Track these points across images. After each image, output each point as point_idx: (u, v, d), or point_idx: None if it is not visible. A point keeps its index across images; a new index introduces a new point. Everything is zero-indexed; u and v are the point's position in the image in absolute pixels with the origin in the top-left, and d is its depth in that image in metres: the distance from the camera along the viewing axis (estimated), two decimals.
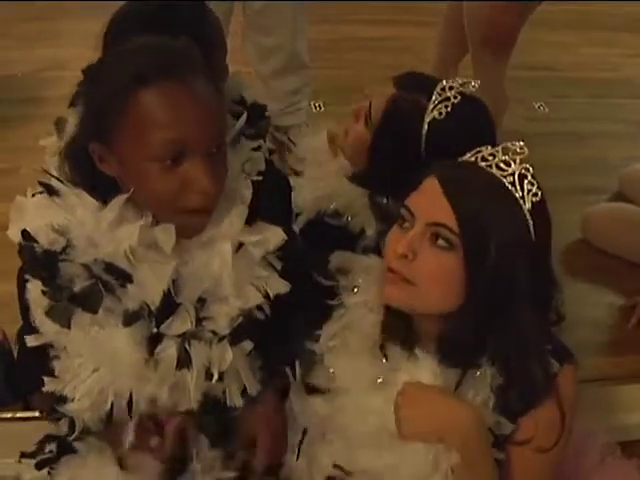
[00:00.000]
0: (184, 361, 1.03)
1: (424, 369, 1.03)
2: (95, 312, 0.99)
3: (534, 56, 3.19)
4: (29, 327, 1.05)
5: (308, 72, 2.52)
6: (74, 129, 1.10)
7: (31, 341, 1.04)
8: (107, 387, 1.03)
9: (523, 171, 1.02)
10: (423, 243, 1.01)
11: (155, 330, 1.02)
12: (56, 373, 1.05)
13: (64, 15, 3.35)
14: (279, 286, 1.08)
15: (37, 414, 1.36)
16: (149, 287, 1.00)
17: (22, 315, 1.10)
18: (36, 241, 0.99)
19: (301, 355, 1.15)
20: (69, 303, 0.99)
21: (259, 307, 1.09)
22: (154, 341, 1.03)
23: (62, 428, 1.12)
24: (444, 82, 1.31)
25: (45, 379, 1.05)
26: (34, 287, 1.01)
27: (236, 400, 1.11)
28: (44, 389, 1.05)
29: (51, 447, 1.16)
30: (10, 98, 2.75)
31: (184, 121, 0.93)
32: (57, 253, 0.99)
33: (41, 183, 1.03)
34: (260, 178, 1.10)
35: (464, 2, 2.31)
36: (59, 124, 1.19)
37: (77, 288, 0.99)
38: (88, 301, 0.99)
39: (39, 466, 1.14)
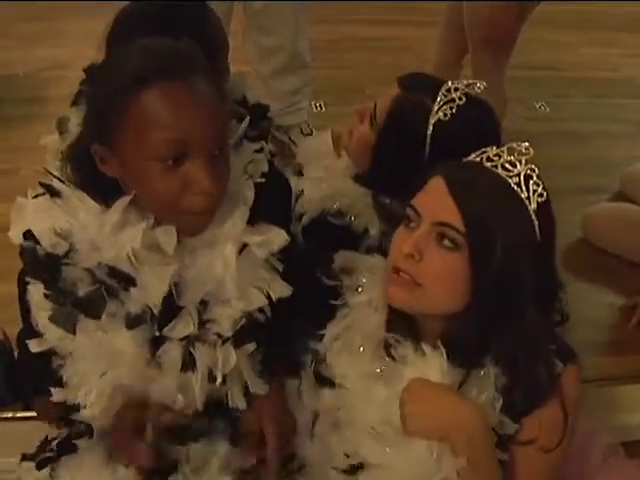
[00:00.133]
0: (188, 363, 1.03)
1: (432, 366, 1.03)
2: (98, 318, 0.99)
3: (535, 56, 3.18)
4: (29, 329, 1.05)
5: (308, 72, 2.52)
6: (76, 129, 1.10)
7: (34, 346, 1.04)
8: (115, 389, 1.03)
9: (529, 172, 1.02)
10: (429, 243, 1.01)
11: (158, 333, 1.02)
12: (64, 380, 1.04)
13: (64, 15, 3.35)
14: (282, 289, 1.08)
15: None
16: (151, 290, 1.00)
17: (22, 317, 1.10)
18: (38, 243, 0.99)
19: (307, 353, 1.15)
20: (73, 308, 0.99)
21: (260, 309, 1.08)
22: (157, 344, 1.03)
23: (78, 432, 1.11)
24: (449, 83, 1.31)
25: (53, 390, 1.05)
26: (36, 290, 1.01)
27: (239, 402, 1.11)
28: (52, 399, 1.05)
29: (52, 446, 1.16)
30: (12, 98, 2.74)
31: (186, 121, 0.93)
32: (60, 257, 0.98)
33: (42, 184, 1.03)
34: (263, 180, 1.10)
35: (464, 2, 2.31)
36: (61, 124, 1.18)
37: (81, 293, 0.99)
38: (91, 307, 0.99)
39: (40, 465, 1.14)
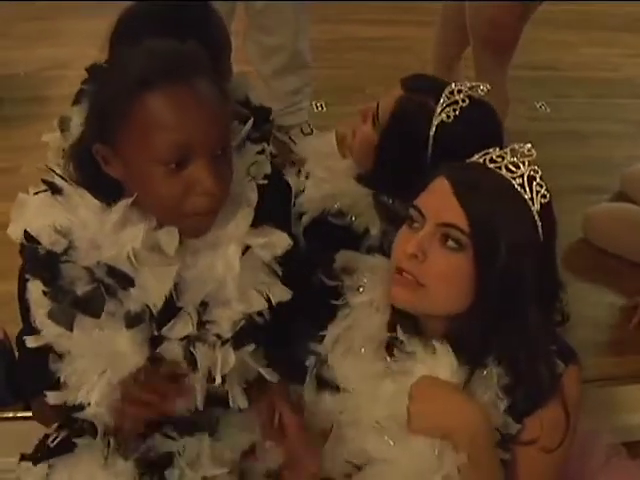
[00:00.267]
0: (189, 363, 1.03)
1: (442, 364, 1.03)
2: (97, 316, 0.98)
3: (536, 56, 3.18)
4: (29, 328, 1.04)
5: (309, 72, 2.52)
6: (78, 127, 1.09)
7: (31, 342, 1.03)
8: (115, 387, 1.02)
9: (532, 173, 1.03)
10: (433, 244, 1.01)
11: (157, 333, 1.01)
12: (62, 380, 1.04)
13: (64, 14, 3.34)
14: (282, 293, 1.08)
15: None
16: (151, 290, 0.99)
17: (22, 316, 1.10)
18: (38, 241, 0.99)
19: (308, 354, 1.15)
20: (71, 306, 0.99)
21: (259, 313, 1.08)
22: (156, 344, 1.02)
23: (79, 431, 1.11)
24: (452, 85, 1.31)
25: (49, 393, 1.05)
26: (35, 287, 1.00)
27: (240, 402, 1.10)
28: (49, 402, 1.05)
29: (49, 444, 1.15)
30: (12, 97, 2.74)
31: (189, 125, 0.92)
32: (59, 254, 0.98)
33: (44, 181, 1.03)
34: (266, 182, 1.10)
35: (467, 3, 2.31)
36: (62, 122, 1.18)
37: (79, 292, 0.98)
38: (90, 305, 0.98)
39: (36, 461, 1.14)
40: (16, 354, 1.33)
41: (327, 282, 1.15)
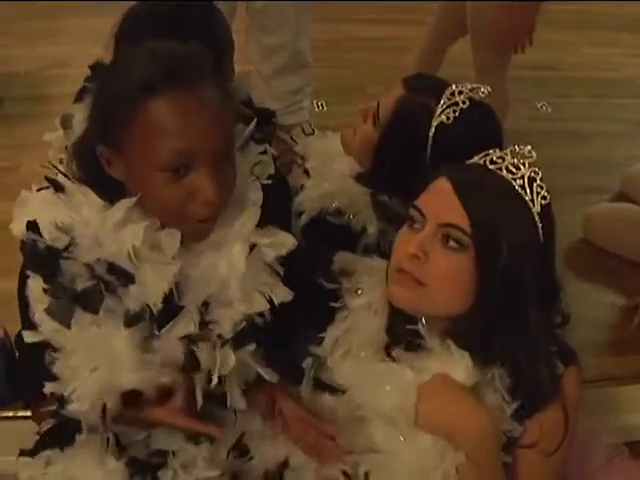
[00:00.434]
0: (191, 363, 1.03)
1: (459, 365, 1.02)
2: (96, 312, 0.98)
3: (536, 56, 3.17)
4: (28, 325, 1.04)
5: (309, 71, 2.52)
6: (80, 125, 1.09)
7: (28, 337, 1.03)
8: (106, 387, 1.01)
9: (532, 174, 1.03)
10: (434, 244, 1.01)
11: (156, 332, 1.01)
12: (55, 372, 1.03)
13: (65, 13, 3.36)
14: (283, 294, 1.08)
15: None
16: (151, 288, 0.99)
17: (21, 313, 1.09)
18: (39, 236, 0.98)
19: (307, 356, 1.15)
20: (70, 302, 0.99)
21: (260, 314, 1.08)
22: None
23: (66, 426, 1.11)
24: (453, 86, 1.31)
25: (47, 384, 1.04)
26: (35, 284, 1.00)
27: (238, 403, 1.10)
28: (45, 391, 1.04)
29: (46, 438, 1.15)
30: (13, 96, 2.75)
31: (193, 131, 0.92)
32: (59, 250, 0.98)
33: (48, 178, 1.03)
34: (269, 182, 1.10)
35: (467, 3, 2.31)
36: (65, 120, 1.18)
37: (79, 288, 0.98)
38: (89, 301, 0.98)
39: (32, 453, 1.13)
40: (16, 353, 1.33)
41: (325, 285, 1.15)
